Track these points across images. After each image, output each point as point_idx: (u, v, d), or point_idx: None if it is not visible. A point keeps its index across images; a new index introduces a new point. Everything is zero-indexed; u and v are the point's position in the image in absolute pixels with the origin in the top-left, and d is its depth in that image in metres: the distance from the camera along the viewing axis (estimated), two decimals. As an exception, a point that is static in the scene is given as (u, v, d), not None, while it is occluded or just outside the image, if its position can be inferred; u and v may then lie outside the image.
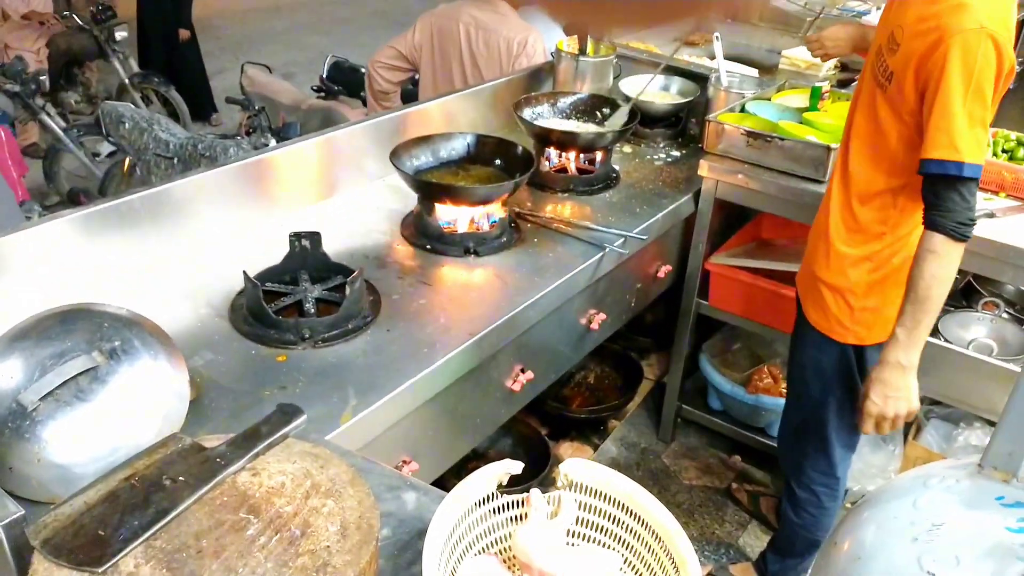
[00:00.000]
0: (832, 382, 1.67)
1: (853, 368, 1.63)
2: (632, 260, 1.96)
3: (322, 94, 4.07)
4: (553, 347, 1.78)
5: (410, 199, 1.85)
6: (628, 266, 1.96)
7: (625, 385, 2.66)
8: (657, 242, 2.07)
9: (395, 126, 2.02)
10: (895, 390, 1.48)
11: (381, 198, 1.94)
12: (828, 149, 1.94)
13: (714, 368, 2.46)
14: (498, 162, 1.90)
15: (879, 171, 1.48)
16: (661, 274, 2.15)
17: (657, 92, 2.55)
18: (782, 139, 2.01)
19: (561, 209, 1.97)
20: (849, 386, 1.65)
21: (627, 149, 2.38)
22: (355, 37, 6.71)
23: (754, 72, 2.54)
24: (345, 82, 4.09)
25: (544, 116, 2.21)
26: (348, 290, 1.43)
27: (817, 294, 1.62)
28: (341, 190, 1.93)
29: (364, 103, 4.16)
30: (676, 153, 2.38)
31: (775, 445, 2.02)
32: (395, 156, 1.77)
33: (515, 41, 2.45)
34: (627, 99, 2.38)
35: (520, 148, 1.88)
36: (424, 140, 1.87)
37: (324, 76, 4.16)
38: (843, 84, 2.50)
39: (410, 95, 2.75)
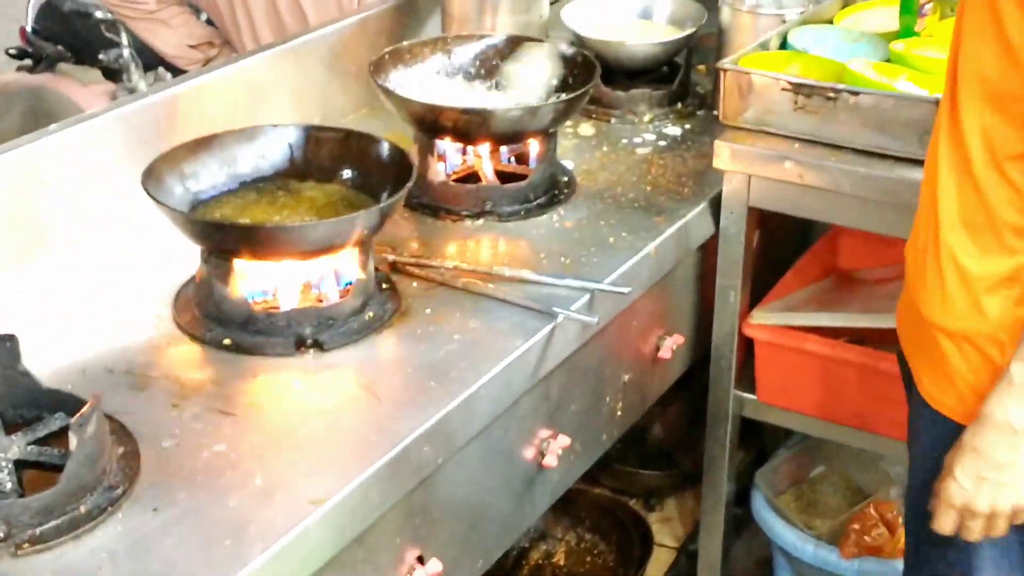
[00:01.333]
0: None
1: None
2: (610, 332, 1.98)
3: (26, 62, 4.00)
4: (477, 508, 1.78)
5: (189, 255, 1.85)
6: (603, 343, 1.98)
7: (621, 560, 2.67)
8: (653, 295, 2.10)
9: (157, 117, 2.06)
10: (996, 468, 1.52)
11: (136, 255, 1.94)
12: (937, 105, 1.95)
13: (779, 515, 2.48)
14: (347, 173, 1.91)
15: (1016, 124, 1.53)
16: (666, 352, 2.19)
17: (633, 23, 2.60)
18: (856, 92, 2.06)
19: (473, 249, 2.01)
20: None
21: (585, 129, 2.44)
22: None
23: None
24: (68, 36, 4.02)
25: (429, 82, 2.23)
26: (73, 442, 1.40)
27: (931, 349, 1.66)
28: (57, 246, 1.94)
29: (106, 72, 4.12)
30: (672, 130, 2.44)
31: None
32: (152, 179, 1.77)
33: None
34: (576, 40, 2.45)
35: (386, 146, 1.90)
36: (206, 144, 1.88)
37: (29, 28, 4.11)
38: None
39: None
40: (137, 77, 4.02)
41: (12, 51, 3.98)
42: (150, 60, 3.17)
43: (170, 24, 2.84)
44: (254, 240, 1.73)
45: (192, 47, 2.85)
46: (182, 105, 2.10)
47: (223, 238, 1.74)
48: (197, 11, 2.88)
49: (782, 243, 2.49)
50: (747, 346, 2.30)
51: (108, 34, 3.11)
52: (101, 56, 4.12)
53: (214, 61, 2.82)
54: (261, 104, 2.23)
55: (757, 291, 2.32)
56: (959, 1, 1.60)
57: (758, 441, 2.81)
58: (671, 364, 2.23)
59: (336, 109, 2.36)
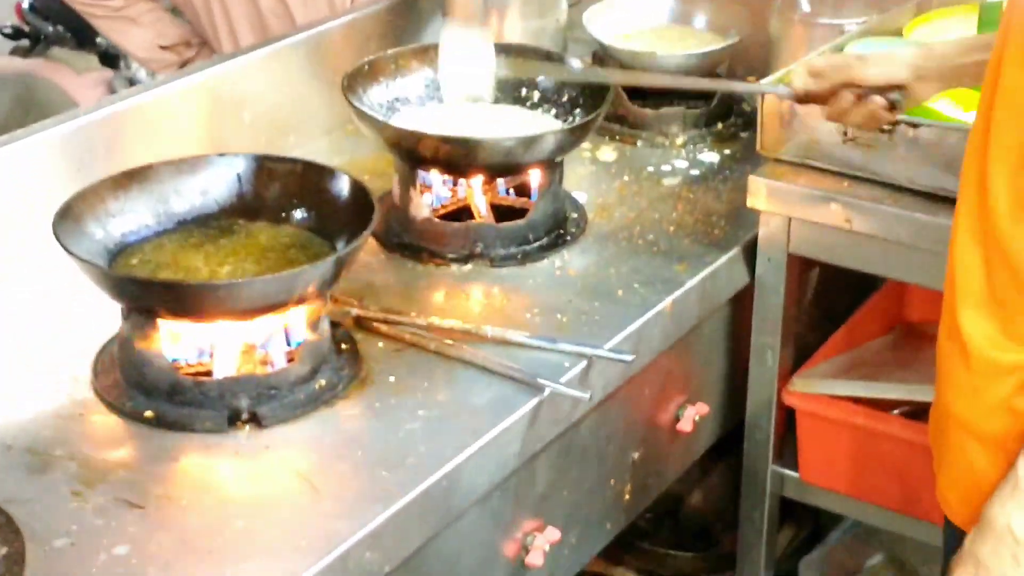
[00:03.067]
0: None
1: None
2: (614, 403, 1.91)
3: (22, 42, 4.05)
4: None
5: (109, 311, 1.75)
6: (605, 417, 1.92)
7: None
8: (671, 357, 2.02)
9: (97, 139, 1.99)
10: None
11: (57, 306, 1.85)
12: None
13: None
14: (301, 214, 1.81)
15: None
16: (687, 424, 2.08)
17: (668, 28, 2.50)
18: (916, 123, 1.94)
19: (457, 301, 1.93)
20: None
21: (606, 154, 2.35)
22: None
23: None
24: (66, 15, 3.98)
25: (412, 102, 2.15)
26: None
27: (949, 447, 1.61)
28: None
29: (103, 58, 4.03)
30: (709, 156, 2.35)
31: None
32: (68, 220, 1.68)
33: None
34: (600, 49, 2.38)
35: (346, 182, 1.79)
36: (138, 177, 1.79)
37: (26, 4, 4.12)
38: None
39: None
40: (136, 65, 3.94)
41: (7, 30, 4.03)
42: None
43: (139, 22, 2.77)
44: (179, 299, 1.65)
45: (165, 48, 2.71)
46: (130, 124, 2.04)
47: (143, 295, 1.65)
48: (172, 9, 2.82)
49: (839, 290, 2.37)
50: (788, 418, 2.19)
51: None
52: (99, 40, 4.05)
53: (191, 64, 2.67)
54: (227, 121, 2.17)
55: (806, 349, 2.24)
56: (990, 67, 1.56)
57: (811, 518, 2.67)
58: (694, 437, 2.13)
59: (316, 126, 2.31)
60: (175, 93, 2.12)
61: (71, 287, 1.82)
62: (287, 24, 2.52)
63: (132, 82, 4.03)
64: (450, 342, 1.76)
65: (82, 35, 4.07)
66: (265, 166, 1.83)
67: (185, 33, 2.74)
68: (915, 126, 1.93)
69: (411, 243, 1.99)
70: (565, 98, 2.14)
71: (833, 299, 2.36)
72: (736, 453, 2.33)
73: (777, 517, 2.31)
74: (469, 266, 1.97)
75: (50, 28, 4.03)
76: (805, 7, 2.33)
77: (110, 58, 4.14)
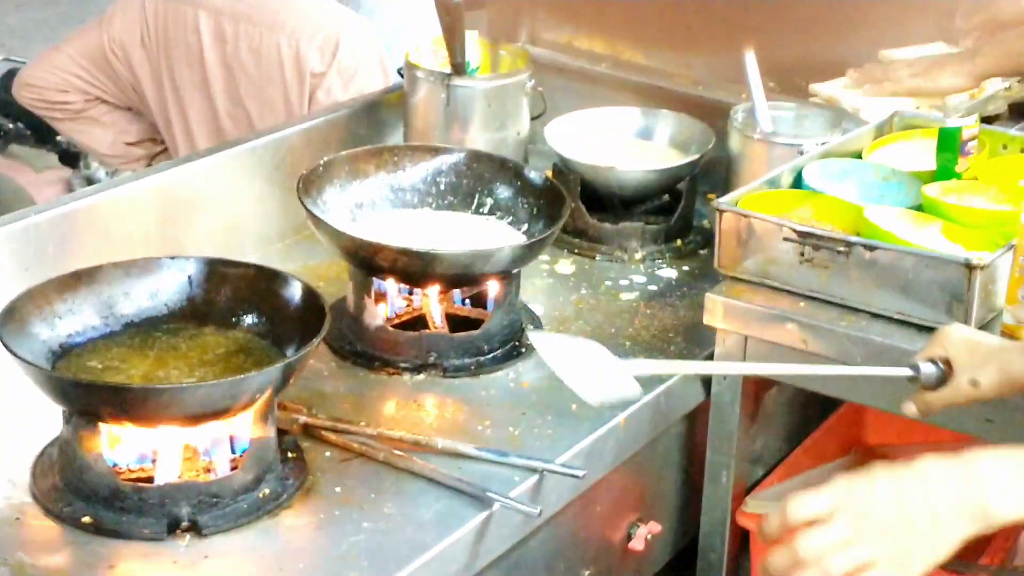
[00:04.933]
0: None
1: None
2: (565, 519, 1.89)
3: None
4: None
5: (50, 414, 1.73)
6: (556, 533, 1.90)
7: None
8: (624, 473, 2.00)
9: (48, 239, 2.00)
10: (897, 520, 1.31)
11: None
12: (971, 269, 1.87)
13: None
14: (251, 319, 1.82)
15: None
16: (638, 543, 2.06)
17: (630, 143, 2.53)
18: (873, 247, 1.94)
19: (408, 410, 1.93)
20: None
21: (564, 267, 2.36)
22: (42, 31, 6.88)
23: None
24: (27, 113, 4.08)
25: (372, 206, 2.18)
26: None
27: None
28: None
29: (62, 157, 4.07)
30: (668, 272, 2.36)
31: None
32: (13, 320, 1.68)
33: (311, 44, 2.52)
34: (560, 162, 2.40)
35: (298, 288, 1.81)
36: (86, 277, 1.79)
37: None
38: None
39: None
40: (96, 164, 3.97)
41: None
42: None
43: (101, 122, 2.82)
44: (123, 402, 1.63)
45: (131, 144, 2.74)
46: (83, 224, 2.05)
47: (84, 398, 1.63)
48: (129, 109, 2.81)
49: (797, 409, 2.36)
50: (741, 539, 2.16)
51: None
52: (59, 138, 4.10)
53: (158, 159, 2.71)
54: (181, 223, 2.18)
55: (757, 471, 2.23)
56: None
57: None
58: (646, 556, 2.10)
59: (273, 230, 2.32)
60: (129, 195, 2.15)
61: (11, 388, 1.79)
62: (244, 128, 2.56)
63: (91, 181, 4.08)
64: (400, 452, 1.76)
65: (42, 133, 4.13)
66: (217, 270, 1.83)
67: (149, 130, 2.78)
68: (871, 249, 1.93)
69: (364, 351, 1.99)
70: (521, 207, 2.15)
71: (791, 419, 2.35)
72: (683, 574, 2.29)
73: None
74: (422, 376, 1.97)
75: (10, 125, 4.07)
76: (766, 126, 2.33)
77: (70, 156, 4.20)
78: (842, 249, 1.94)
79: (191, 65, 2.57)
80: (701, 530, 2.17)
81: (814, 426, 2.37)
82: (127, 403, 1.62)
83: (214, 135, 2.62)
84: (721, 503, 2.13)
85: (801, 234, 1.97)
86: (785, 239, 1.97)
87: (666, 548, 2.18)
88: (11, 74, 4.22)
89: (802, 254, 1.98)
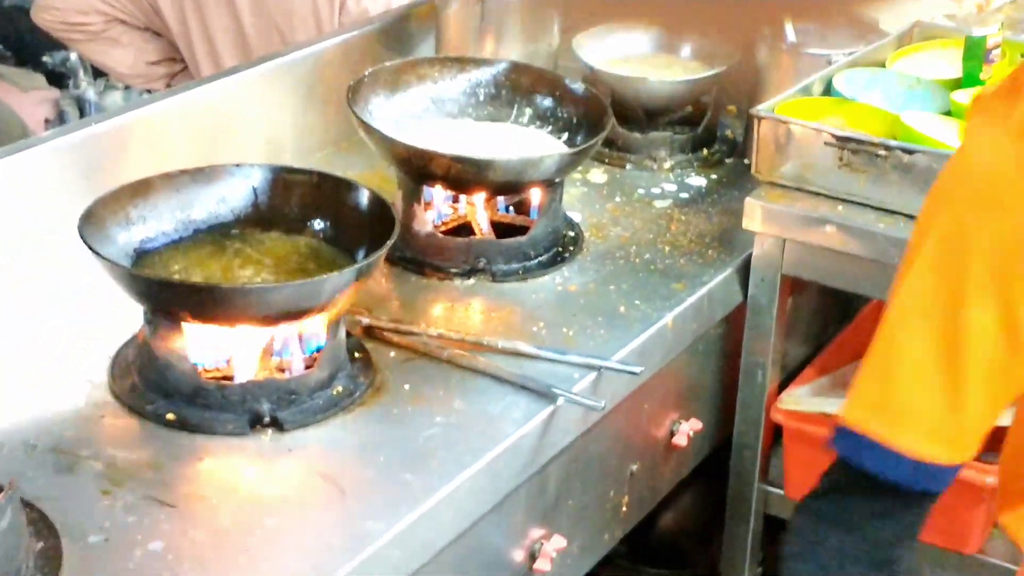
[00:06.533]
0: None
1: None
2: (617, 417, 1.94)
3: None
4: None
5: (132, 312, 1.78)
6: (609, 430, 1.95)
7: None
8: (669, 373, 2.06)
9: (103, 149, 2.02)
10: None
11: (70, 310, 1.88)
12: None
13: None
14: (319, 224, 1.86)
15: None
16: (681, 439, 2.14)
17: (655, 57, 2.54)
18: (911, 150, 2.01)
19: (462, 314, 1.98)
20: None
21: (596, 176, 2.39)
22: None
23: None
24: (9, 35, 4.09)
25: (415, 116, 2.20)
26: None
27: None
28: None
29: (50, 77, 4.05)
30: (696, 180, 2.40)
31: None
32: (91, 224, 1.71)
33: None
34: (589, 74, 2.40)
35: (366, 194, 1.85)
36: (156, 185, 1.83)
37: None
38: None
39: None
40: (86, 84, 3.99)
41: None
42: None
43: (120, 42, 2.79)
44: (206, 302, 1.68)
45: (152, 63, 2.76)
46: (134, 135, 2.06)
47: (169, 298, 1.69)
48: (147, 29, 2.84)
49: (824, 312, 2.42)
50: (775, 435, 2.24)
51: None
52: (45, 59, 4.10)
53: (178, 78, 2.74)
54: (225, 135, 2.19)
55: (792, 370, 2.28)
56: None
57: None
58: (686, 453, 2.19)
59: (311, 142, 2.34)
60: (175, 105, 2.15)
61: (83, 294, 1.87)
62: (270, 40, 2.56)
63: (80, 101, 4.09)
64: (462, 353, 1.80)
65: (24, 55, 4.10)
66: (280, 177, 1.88)
67: (168, 49, 2.78)
68: (910, 152, 1.99)
69: (414, 257, 2.03)
70: (562, 117, 2.19)
71: (817, 323, 2.42)
72: (712, 471, 2.36)
73: (761, 536, 2.32)
74: (472, 280, 2.02)
75: (-2, 50, 4.07)
76: (792, 37, 2.37)
77: (57, 77, 4.19)
78: (882, 153, 2.00)
79: None
80: (736, 427, 2.24)
81: (835, 328, 2.44)
82: (212, 303, 1.66)
83: (239, 49, 2.61)
84: (757, 401, 2.20)
85: (840, 139, 2.03)
86: (825, 144, 2.03)
87: (704, 444, 2.24)
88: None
89: (840, 159, 2.03)
